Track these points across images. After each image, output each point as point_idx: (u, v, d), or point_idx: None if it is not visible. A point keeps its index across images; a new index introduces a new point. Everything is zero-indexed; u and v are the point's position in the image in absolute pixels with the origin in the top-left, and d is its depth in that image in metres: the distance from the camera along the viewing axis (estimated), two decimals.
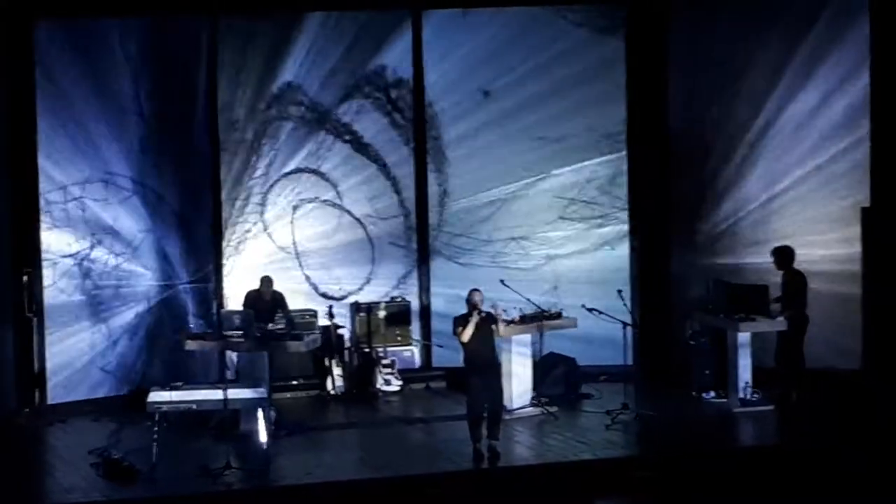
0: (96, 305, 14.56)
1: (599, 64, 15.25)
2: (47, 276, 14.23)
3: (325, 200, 15.45)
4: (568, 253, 15.47)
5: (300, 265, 15.44)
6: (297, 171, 15.35)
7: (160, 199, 14.79)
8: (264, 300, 13.98)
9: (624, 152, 15.34)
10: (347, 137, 15.37)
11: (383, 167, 15.50)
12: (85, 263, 14.47)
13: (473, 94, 15.35)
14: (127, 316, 14.72)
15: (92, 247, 14.50)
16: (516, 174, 15.44)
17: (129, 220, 14.70)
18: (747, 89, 14.83)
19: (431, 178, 15.49)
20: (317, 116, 15.27)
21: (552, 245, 15.47)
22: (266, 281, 14.14)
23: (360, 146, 15.42)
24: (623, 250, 15.38)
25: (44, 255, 14.20)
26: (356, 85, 15.29)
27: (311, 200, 15.43)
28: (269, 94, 15.14)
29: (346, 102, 15.28)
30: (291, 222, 15.39)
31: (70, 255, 14.37)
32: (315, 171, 15.38)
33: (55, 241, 14.30)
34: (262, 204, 15.27)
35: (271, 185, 15.29)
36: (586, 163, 15.38)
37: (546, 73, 15.23)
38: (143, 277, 14.79)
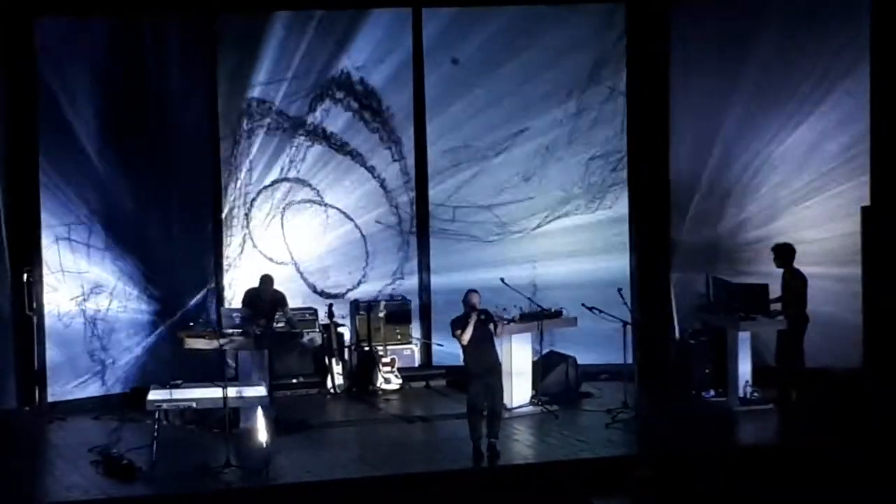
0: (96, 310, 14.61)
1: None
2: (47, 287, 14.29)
3: (309, 201, 15.44)
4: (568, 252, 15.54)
5: (297, 269, 15.45)
6: (277, 181, 15.33)
7: (159, 220, 14.77)
8: (263, 299, 13.98)
9: (624, 152, 15.37)
10: (322, 140, 15.35)
11: (362, 161, 15.48)
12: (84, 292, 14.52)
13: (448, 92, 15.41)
14: (128, 317, 14.73)
15: (91, 293, 14.53)
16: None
17: (129, 232, 14.72)
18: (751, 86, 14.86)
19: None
20: (289, 124, 15.25)
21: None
22: (266, 279, 14.14)
23: (336, 146, 15.39)
24: (624, 254, 15.41)
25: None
26: (322, 89, 15.23)
27: (295, 203, 15.41)
28: (240, 106, 15.06)
29: (316, 107, 15.25)
30: (282, 227, 15.38)
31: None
32: (296, 180, 15.37)
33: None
34: (248, 216, 15.27)
35: (254, 198, 15.27)
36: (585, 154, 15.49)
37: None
38: (142, 300, 14.80)
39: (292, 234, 15.43)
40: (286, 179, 15.36)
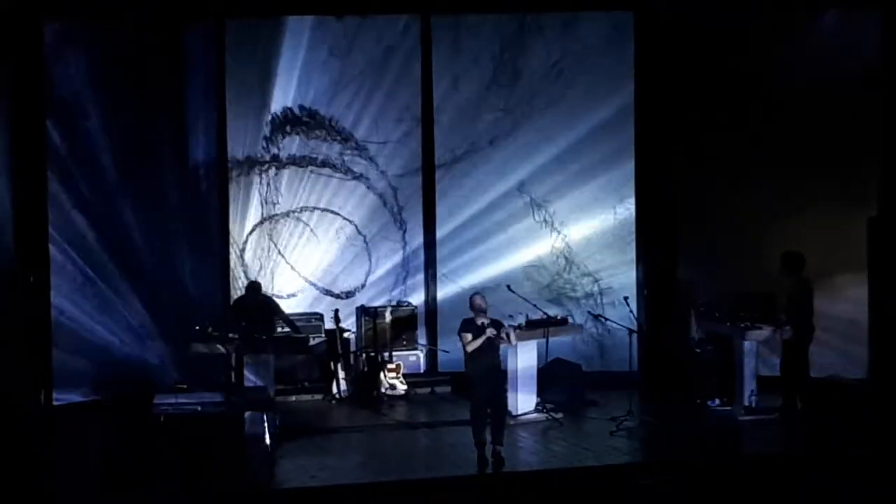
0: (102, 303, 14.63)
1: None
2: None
3: (287, 214, 15.47)
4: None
5: (313, 286, 15.49)
6: (259, 222, 15.39)
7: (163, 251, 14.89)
8: (251, 304, 13.94)
9: (632, 166, 15.46)
10: (284, 165, 15.43)
11: (321, 163, 15.53)
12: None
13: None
14: (133, 316, 14.76)
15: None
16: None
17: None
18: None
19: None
20: (247, 165, 15.35)
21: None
22: (252, 287, 14.14)
23: (299, 163, 15.45)
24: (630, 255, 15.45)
25: None
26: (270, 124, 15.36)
27: (279, 221, 15.46)
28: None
29: (269, 141, 15.35)
30: (281, 255, 15.40)
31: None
32: (282, 214, 15.43)
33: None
34: (245, 270, 15.33)
35: (246, 238, 15.32)
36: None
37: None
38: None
39: (293, 258, 15.46)
40: (269, 218, 15.39)
